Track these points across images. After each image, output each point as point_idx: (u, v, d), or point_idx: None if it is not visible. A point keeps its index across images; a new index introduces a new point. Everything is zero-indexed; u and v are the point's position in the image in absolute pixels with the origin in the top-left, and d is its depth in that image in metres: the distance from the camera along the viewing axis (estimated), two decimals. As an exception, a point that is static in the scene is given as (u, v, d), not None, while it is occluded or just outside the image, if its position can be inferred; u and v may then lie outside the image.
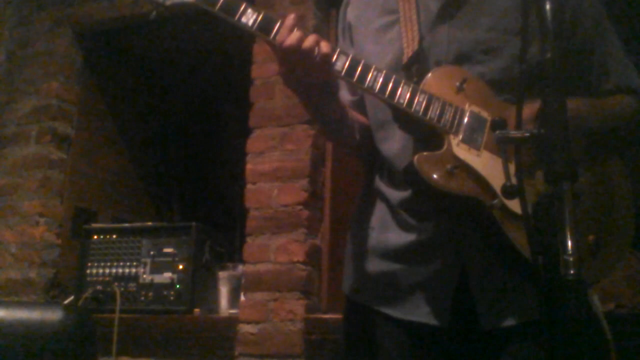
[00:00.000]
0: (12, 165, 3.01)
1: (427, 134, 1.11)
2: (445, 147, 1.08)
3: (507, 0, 1.16)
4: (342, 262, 1.33)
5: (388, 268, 1.18)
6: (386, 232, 1.20)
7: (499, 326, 1.09)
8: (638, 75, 1.22)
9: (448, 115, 1.09)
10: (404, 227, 1.18)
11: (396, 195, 1.20)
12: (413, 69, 1.14)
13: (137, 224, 2.71)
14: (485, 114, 1.11)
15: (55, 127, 3.01)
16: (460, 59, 1.14)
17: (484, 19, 1.15)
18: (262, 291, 2.32)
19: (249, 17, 1.07)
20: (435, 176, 1.05)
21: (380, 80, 1.08)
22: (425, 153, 1.07)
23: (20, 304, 1.77)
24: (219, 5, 1.06)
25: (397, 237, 1.18)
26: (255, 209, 2.43)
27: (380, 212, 1.23)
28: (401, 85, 1.09)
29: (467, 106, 1.10)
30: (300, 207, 2.35)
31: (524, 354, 1.08)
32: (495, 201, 1.05)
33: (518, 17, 1.13)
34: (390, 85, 1.08)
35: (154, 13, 1.10)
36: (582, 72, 1.20)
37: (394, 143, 1.20)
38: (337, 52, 1.09)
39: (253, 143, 2.51)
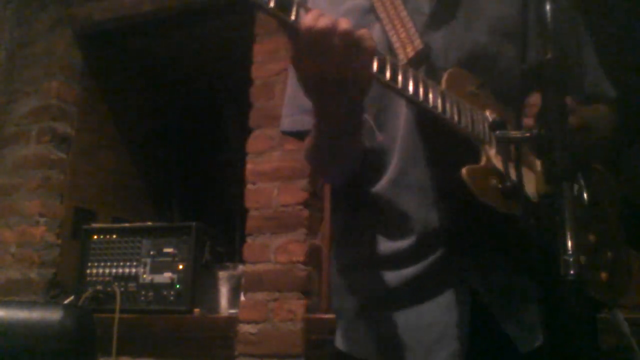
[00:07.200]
0: (12, 165, 3.00)
1: (451, 144, 0.96)
2: (484, 159, 0.93)
3: (502, 5, 1.07)
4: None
5: (392, 317, 0.99)
6: (382, 268, 1.02)
7: (535, 347, 0.96)
8: (611, 85, 1.18)
9: (479, 124, 0.95)
10: (406, 259, 1.00)
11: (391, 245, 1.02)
12: (421, 69, 0.98)
13: (137, 224, 2.70)
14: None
15: (55, 127, 3.00)
16: (462, 66, 1.02)
17: (480, 23, 1.05)
18: (262, 291, 2.31)
19: None
20: (488, 193, 0.89)
21: (411, 80, 0.88)
22: (472, 166, 0.90)
23: (20, 304, 1.76)
24: None
25: (396, 275, 1.00)
26: (255, 209, 2.43)
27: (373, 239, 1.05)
28: (430, 88, 0.90)
29: (488, 113, 0.97)
30: (300, 207, 2.35)
31: None
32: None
33: (515, 22, 1.06)
34: (421, 87, 0.89)
35: None
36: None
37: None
38: None
39: (253, 143, 2.50)
